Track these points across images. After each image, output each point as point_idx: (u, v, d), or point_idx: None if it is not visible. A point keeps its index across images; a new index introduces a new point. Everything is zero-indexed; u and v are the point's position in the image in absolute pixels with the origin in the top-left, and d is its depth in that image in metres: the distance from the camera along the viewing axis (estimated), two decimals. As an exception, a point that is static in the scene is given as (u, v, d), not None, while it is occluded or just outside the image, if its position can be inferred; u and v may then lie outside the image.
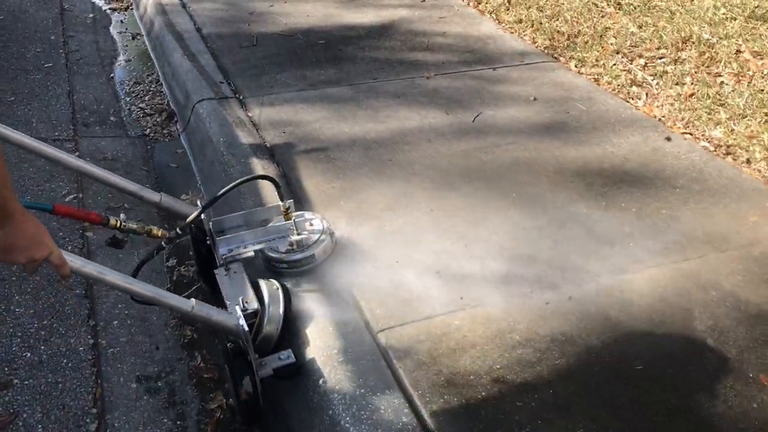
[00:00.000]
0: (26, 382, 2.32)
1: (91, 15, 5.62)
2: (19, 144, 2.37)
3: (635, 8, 4.84)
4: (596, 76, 4.10)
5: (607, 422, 1.98)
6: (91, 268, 1.81)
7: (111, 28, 5.42)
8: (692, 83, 3.89)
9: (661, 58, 4.19)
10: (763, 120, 3.50)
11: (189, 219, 2.36)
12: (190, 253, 2.83)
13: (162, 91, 4.38)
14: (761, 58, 4.07)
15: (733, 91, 3.76)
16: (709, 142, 3.41)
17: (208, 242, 2.50)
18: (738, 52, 4.13)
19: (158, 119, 4.03)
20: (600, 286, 2.48)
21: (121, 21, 5.60)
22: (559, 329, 2.29)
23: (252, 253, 2.44)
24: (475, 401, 2.02)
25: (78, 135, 3.76)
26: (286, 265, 2.46)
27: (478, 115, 3.64)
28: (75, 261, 1.74)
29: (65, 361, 2.40)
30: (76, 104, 4.12)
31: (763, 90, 3.76)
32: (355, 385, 2.07)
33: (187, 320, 2.60)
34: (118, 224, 2.36)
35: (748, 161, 3.24)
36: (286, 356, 2.19)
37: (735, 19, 4.52)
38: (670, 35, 4.39)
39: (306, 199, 2.89)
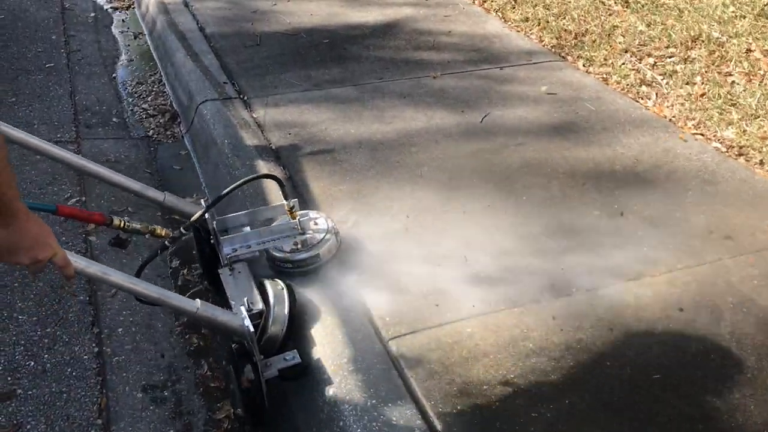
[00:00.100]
0: (30, 392, 2.27)
1: (92, 14, 5.57)
2: (23, 143, 2.34)
3: (643, 6, 4.78)
4: (605, 76, 4.05)
5: (625, 434, 1.94)
6: (95, 268, 1.80)
7: (113, 27, 5.38)
8: (702, 83, 3.83)
9: (670, 57, 4.14)
10: (776, 120, 3.45)
11: (193, 218, 2.34)
12: (193, 252, 2.82)
13: (165, 92, 4.33)
14: (772, 57, 4.03)
15: (744, 90, 3.71)
16: (720, 142, 3.36)
17: (212, 241, 2.47)
18: (748, 51, 4.08)
19: (161, 120, 3.98)
20: (614, 291, 2.44)
21: (123, 20, 5.55)
22: (573, 336, 2.24)
23: (257, 253, 2.43)
24: (489, 412, 1.97)
25: (80, 137, 3.71)
26: (291, 264, 2.44)
27: (486, 116, 3.59)
28: (79, 262, 1.73)
29: (69, 369, 2.35)
30: (78, 105, 4.08)
31: (774, 89, 3.71)
32: (366, 395, 2.02)
33: (192, 321, 2.57)
34: (122, 224, 2.35)
35: (761, 162, 3.19)
36: (292, 357, 2.16)
37: (744, 17, 4.46)
38: (679, 34, 4.34)
39: (313, 202, 2.85)
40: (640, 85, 3.90)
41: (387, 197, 2.89)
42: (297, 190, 2.92)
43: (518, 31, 4.69)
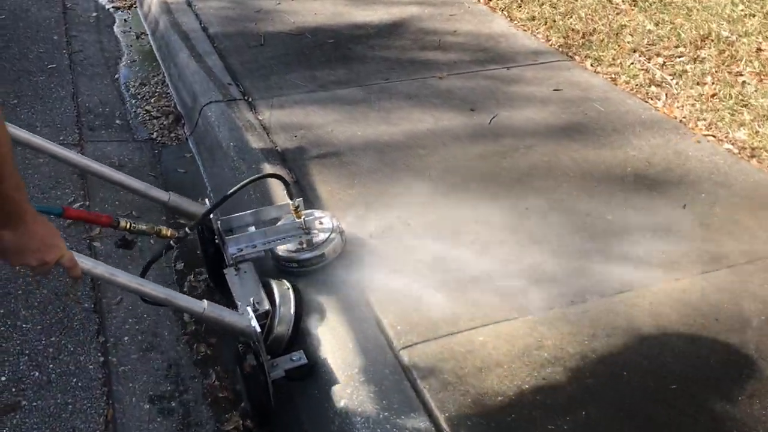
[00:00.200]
0: (35, 404, 2.22)
1: (94, 14, 5.52)
2: (27, 143, 2.33)
3: (651, 5, 4.73)
4: (613, 76, 4.00)
5: (644, 447, 1.90)
6: (102, 269, 1.80)
7: (115, 28, 5.33)
8: (713, 83, 3.79)
9: (679, 57, 4.09)
10: (789, 121, 3.40)
11: (198, 218, 2.34)
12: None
13: (168, 93, 4.29)
14: (783, 56, 3.98)
15: (755, 91, 3.66)
16: (732, 144, 3.32)
17: (216, 242, 2.46)
18: (759, 50, 4.03)
19: (165, 122, 3.93)
20: (628, 298, 2.39)
21: (125, 20, 5.50)
22: (588, 345, 2.19)
23: (262, 253, 2.42)
24: (505, 425, 1.93)
25: (83, 139, 3.67)
26: (296, 264, 2.43)
27: (494, 117, 3.54)
28: (86, 262, 1.73)
29: (75, 380, 2.31)
30: (80, 107, 4.03)
31: (786, 89, 3.66)
32: (379, 406, 1.98)
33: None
34: (128, 226, 2.34)
35: (774, 164, 3.15)
36: (298, 357, 2.15)
37: (754, 15, 4.41)
38: (688, 33, 4.29)
39: (320, 206, 2.80)
40: (650, 86, 3.86)
41: (395, 201, 2.84)
42: (304, 194, 2.87)
43: (524, 30, 4.64)
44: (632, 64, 4.07)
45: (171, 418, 2.22)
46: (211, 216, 2.37)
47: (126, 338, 2.48)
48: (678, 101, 3.68)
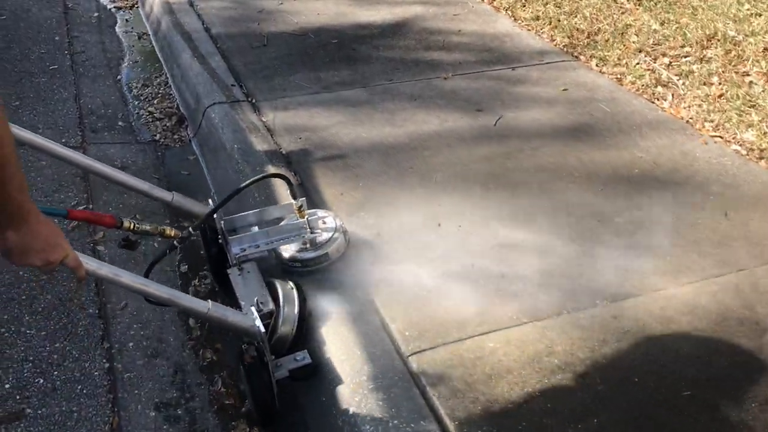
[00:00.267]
0: (39, 411, 2.20)
1: (95, 14, 5.49)
2: (30, 144, 2.33)
3: (656, 4, 4.70)
4: (619, 76, 3.97)
5: (658, 455, 1.87)
6: (106, 269, 1.80)
7: (116, 28, 5.29)
8: (720, 83, 3.76)
9: (685, 57, 4.06)
10: (797, 122, 3.38)
11: (201, 218, 2.35)
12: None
13: (171, 94, 4.26)
14: (790, 56, 3.95)
15: (763, 91, 3.63)
16: (740, 145, 3.29)
17: (220, 242, 2.47)
18: (765, 50, 4.00)
19: (168, 124, 3.90)
20: (638, 303, 2.37)
21: (126, 20, 5.47)
22: (598, 351, 2.17)
23: (266, 253, 2.42)
24: (517, 433, 1.91)
25: (86, 141, 3.64)
26: (300, 263, 2.44)
27: (499, 119, 3.52)
28: (90, 263, 1.73)
29: (80, 387, 2.28)
30: (83, 108, 4.00)
31: (794, 90, 3.63)
32: (388, 415, 1.95)
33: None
34: (132, 226, 2.35)
35: (783, 166, 3.12)
36: (302, 357, 2.16)
37: (760, 15, 4.38)
38: (694, 32, 4.26)
39: (325, 209, 2.77)
40: (656, 86, 3.83)
41: (400, 204, 2.82)
42: (309, 196, 2.84)
43: (529, 30, 4.61)
44: (638, 64, 4.04)
45: (177, 425, 2.20)
46: (215, 216, 2.38)
47: (131, 344, 2.45)
48: (685, 102, 3.66)
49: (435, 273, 2.45)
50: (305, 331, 2.23)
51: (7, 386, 2.26)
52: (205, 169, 3.52)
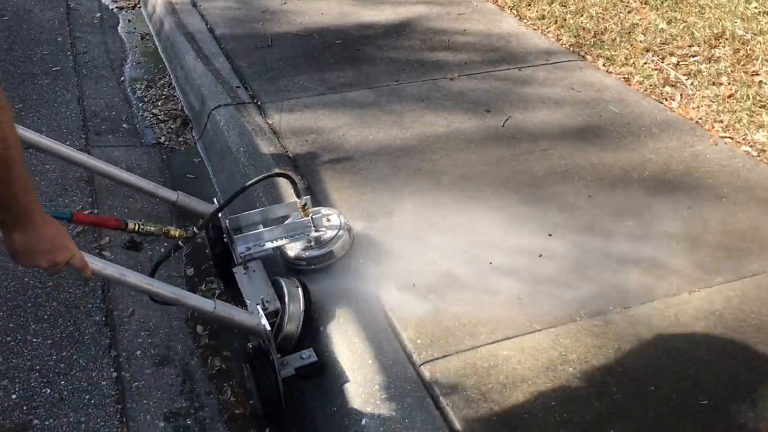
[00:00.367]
0: (47, 422, 2.17)
1: (98, 14, 5.45)
2: (36, 145, 2.35)
3: (662, 3, 4.66)
4: (626, 76, 3.94)
5: (677, 467, 1.84)
6: (112, 269, 1.80)
7: (119, 28, 5.25)
8: (729, 83, 3.72)
9: (693, 56, 4.02)
10: (808, 122, 3.34)
11: (206, 218, 2.35)
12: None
13: (175, 96, 4.22)
14: (799, 55, 3.92)
15: (773, 91, 3.60)
16: (751, 146, 3.26)
17: (225, 240, 2.48)
18: (775, 49, 3.97)
19: (173, 126, 3.87)
20: (652, 309, 2.34)
21: (129, 20, 5.43)
22: (613, 358, 2.14)
23: (270, 251, 2.43)
24: (533, 444, 1.88)
25: (90, 144, 3.61)
26: (305, 262, 2.44)
27: (507, 119, 3.49)
28: (96, 263, 1.73)
29: (87, 397, 2.25)
30: (86, 110, 3.97)
31: (804, 90, 3.60)
32: (401, 425, 1.93)
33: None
34: (137, 228, 2.35)
35: (795, 168, 3.09)
36: (308, 355, 2.17)
37: (768, 13, 4.35)
38: (702, 31, 4.22)
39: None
40: (664, 86, 3.79)
41: (409, 208, 2.79)
42: (316, 200, 2.82)
43: (534, 30, 4.57)
44: (645, 63, 4.01)
45: (187, 436, 2.17)
46: (219, 215, 2.38)
47: (138, 352, 2.42)
48: (693, 102, 3.62)
49: (445, 278, 2.42)
50: (311, 330, 2.23)
51: (13, 396, 2.23)
52: (211, 172, 3.48)
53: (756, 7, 4.43)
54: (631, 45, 4.19)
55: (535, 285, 2.42)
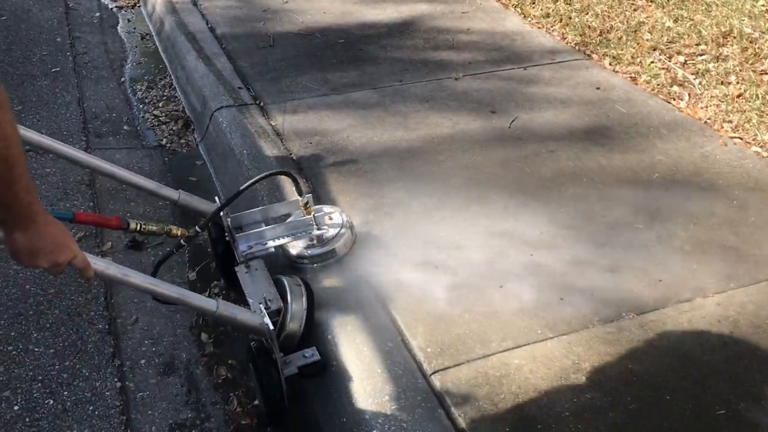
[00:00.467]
0: (50, 435, 2.13)
1: (97, 14, 5.39)
2: (38, 145, 2.36)
3: (668, 0, 4.61)
4: (633, 75, 3.89)
5: (695, 480, 1.80)
6: (114, 269, 1.80)
7: (118, 28, 5.20)
8: (737, 82, 3.68)
9: (701, 55, 3.98)
10: (819, 122, 3.30)
11: (208, 217, 2.34)
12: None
13: (176, 96, 4.17)
14: (808, 54, 3.87)
15: (783, 90, 3.56)
16: (761, 147, 3.21)
17: (226, 239, 2.47)
18: (783, 47, 3.92)
19: (174, 127, 3.82)
20: (665, 316, 2.30)
21: (129, 19, 5.37)
22: (627, 367, 2.10)
23: (273, 249, 2.41)
24: (548, 457, 1.84)
25: (91, 147, 3.56)
26: (307, 260, 2.44)
27: (513, 120, 3.44)
28: (98, 263, 1.73)
29: (91, 408, 2.21)
30: (87, 112, 3.92)
31: (814, 89, 3.55)
32: (413, 438, 1.88)
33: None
34: (138, 227, 2.36)
35: (807, 169, 3.04)
36: (311, 354, 2.15)
37: (776, 11, 4.30)
38: (709, 30, 4.18)
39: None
40: (671, 85, 3.75)
41: (416, 211, 2.75)
42: (321, 203, 2.77)
43: (539, 28, 4.52)
44: (652, 62, 3.96)
45: (193, 448, 2.13)
46: (221, 214, 2.38)
47: (143, 361, 2.38)
48: (702, 102, 3.58)
49: (455, 284, 2.38)
50: (314, 330, 2.22)
51: (16, 408, 2.19)
52: (214, 175, 3.44)
53: (763, 5, 4.38)
54: (638, 44, 4.15)
55: (545, 290, 2.37)
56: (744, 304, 2.34)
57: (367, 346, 2.15)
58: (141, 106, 4.07)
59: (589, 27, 4.40)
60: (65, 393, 2.25)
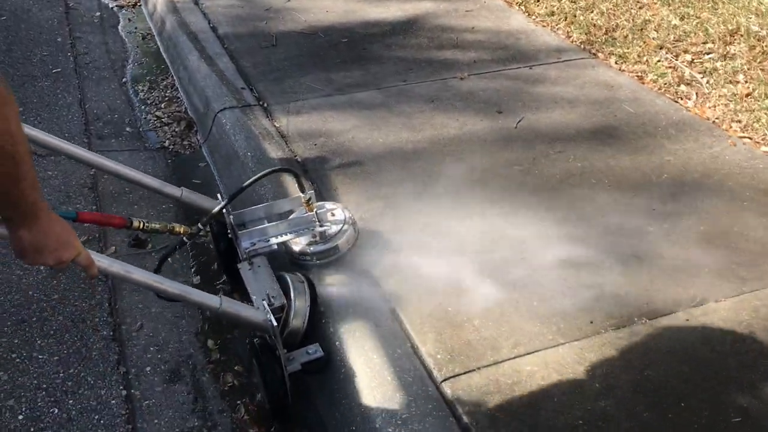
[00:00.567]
0: (55, 445, 2.09)
1: (97, 13, 5.35)
2: (43, 143, 2.36)
3: (674, -2, 4.58)
4: (639, 74, 3.86)
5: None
6: (117, 267, 1.80)
7: (119, 28, 5.15)
8: (746, 81, 3.64)
9: (708, 54, 3.94)
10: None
11: (211, 214, 2.33)
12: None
13: (178, 97, 4.13)
14: (816, 52, 3.83)
15: (792, 89, 3.52)
16: (771, 147, 3.18)
17: (229, 236, 2.47)
18: (791, 45, 3.89)
19: (177, 129, 3.78)
20: (678, 321, 2.27)
21: (129, 19, 5.33)
22: (640, 373, 2.07)
23: (275, 246, 2.41)
24: (562, 467, 1.80)
25: (93, 149, 3.50)
26: (310, 257, 2.42)
27: (520, 120, 3.41)
28: (102, 261, 1.74)
29: (97, 417, 2.17)
30: (88, 113, 3.88)
31: (823, 88, 3.52)
32: (424, 447, 1.85)
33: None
34: (141, 225, 2.38)
35: (818, 169, 3.01)
36: (314, 350, 2.16)
37: (783, 8, 4.26)
38: (716, 28, 4.14)
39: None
40: (679, 84, 3.71)
41: (422, 213, 2.72)
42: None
43: (544, 27, 4.49)
44: (659, 61, 3.92)
45: (200, 458, 2.10)
46: (224, 211, 2.37)
47: (148, 368, 2.35)
48: (710, 101, 3.54)
49: (463, 288, 2.35)
50: (318, 327, 2.22)
51: (20, 417, 2.16)
52: (218, 177, 3.40)
53: (770, 2, 4.35)
54: (644, 42, 4.11)
55: (555, 294, 2.34)
56: (757, 308, 2.31)
57: (376, 353, 2.11)
58: (143, 107, 4.03)
59: (594, 25, 4.36)
60: (70, 401, 2.22)
